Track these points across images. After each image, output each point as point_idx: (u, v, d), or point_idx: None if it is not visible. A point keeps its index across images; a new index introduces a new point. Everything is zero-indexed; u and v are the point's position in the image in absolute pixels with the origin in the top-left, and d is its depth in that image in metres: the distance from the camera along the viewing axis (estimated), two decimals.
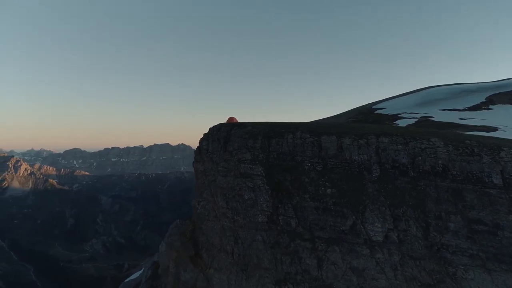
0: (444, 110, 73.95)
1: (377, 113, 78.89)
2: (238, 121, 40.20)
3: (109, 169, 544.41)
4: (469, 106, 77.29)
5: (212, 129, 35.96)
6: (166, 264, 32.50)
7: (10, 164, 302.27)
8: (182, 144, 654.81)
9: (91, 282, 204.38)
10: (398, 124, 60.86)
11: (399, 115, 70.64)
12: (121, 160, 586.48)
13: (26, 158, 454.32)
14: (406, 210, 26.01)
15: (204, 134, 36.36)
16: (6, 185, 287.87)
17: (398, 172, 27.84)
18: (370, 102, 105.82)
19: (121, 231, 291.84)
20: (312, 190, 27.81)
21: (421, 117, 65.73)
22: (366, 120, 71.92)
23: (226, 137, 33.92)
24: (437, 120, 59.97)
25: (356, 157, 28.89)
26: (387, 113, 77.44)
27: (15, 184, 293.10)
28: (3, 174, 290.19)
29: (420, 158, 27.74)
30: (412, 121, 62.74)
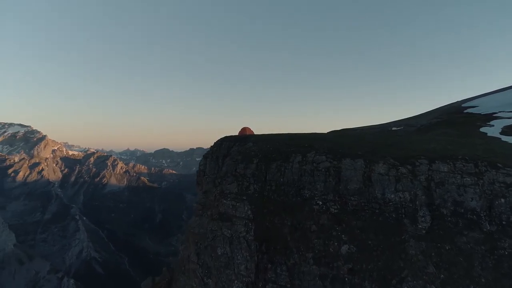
0: None
1: (467, 113, 62.62)
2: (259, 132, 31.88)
3: (194, 168, 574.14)
4: None
5: (214, 145, 28.38)
6: None
7: (109, 162, 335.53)
8: None
9: None
10: (493, 125, 45.90)
11: (494, 115, 54.11)
12: None
13: (122, 157, 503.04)
14: None
15: (210, 148, 28.96)
16: (106, 181, 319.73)
17: (462, 223, 16.84)
18: (459, 100, 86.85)
19: None
20: (319, 245, 18.31)
21: None
22: (452, 121, 57.05)
23: (225, 155, 26.10)
24: None
25: (393, 196, 18.50)
26: (479, 112, 60.77)
27: (113, 181, 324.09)
28: (103, 172, 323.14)
29: (503, 200, 16.41)
30: None
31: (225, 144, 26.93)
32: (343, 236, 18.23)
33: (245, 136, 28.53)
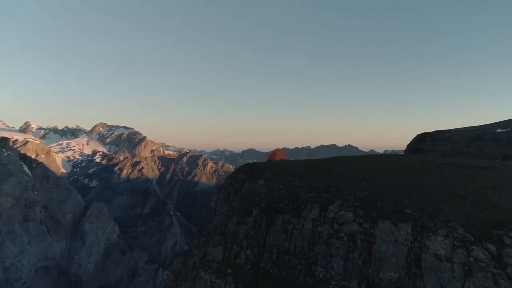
0: None
1: None
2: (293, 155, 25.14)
3: None
4: None
5: (230, 175, 22.70)
6: None
7: (200, 162, 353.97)
8: (348, 145, 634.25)
9: None
10: None
11: None
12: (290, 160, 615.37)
13: (212, 157, 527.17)
14: None
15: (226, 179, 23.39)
16: (197, 180, 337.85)
17: None
18: None
19: None
20: None
21: None
22: None
23: (237, 192, 20.23)
24: None
25: None
26: None
27: (203, 179, 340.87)
28: (195, 171, 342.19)
29: None
30: None
31: (240, 176, 20.97)
32: None
33: (264, 165, 22.06)
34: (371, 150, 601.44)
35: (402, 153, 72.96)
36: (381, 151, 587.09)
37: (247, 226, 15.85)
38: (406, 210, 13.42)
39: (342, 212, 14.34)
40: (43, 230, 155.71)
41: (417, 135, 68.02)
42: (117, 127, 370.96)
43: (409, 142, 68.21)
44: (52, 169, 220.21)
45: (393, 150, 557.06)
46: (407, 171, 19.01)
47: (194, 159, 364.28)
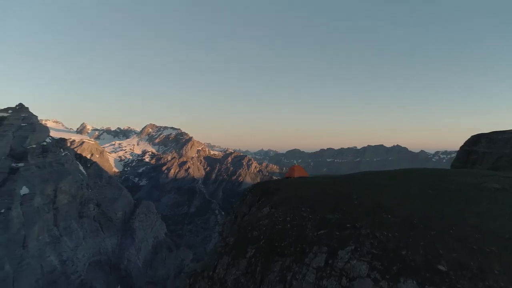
0: None
1: None
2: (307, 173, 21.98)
3: (325, 169, 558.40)
4: None
5: (244, 193, 20.16)
6: None
7: (244, 162, 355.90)
8: (397, 145, 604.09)
9: None
10: None
11: None
12: (336, 160, 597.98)
13: (256, 157, 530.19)
14: None
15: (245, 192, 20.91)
16: (241, 179, 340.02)
17: None
18: None
19: None
20: None
21: None
22: None
23: (245, 215, 17.61)
24: None
25: None
26: None
27: (248, 179, 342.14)
28: (239, 171, 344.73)
29: None
30: None
31: (249, 198, 18.28)
32: None
33: (278, 185, 19.02)
34: (421, 151, 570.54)
35: (455, 154, 67.00)
36: (432, 151, 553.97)
37: (238, 271, 12.92)
38: (439, 266, 9.94)
39: (354, 261, 11.12)
40: (96, 226, 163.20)
41: (472, 136, 62.14)
42: (165, 128, 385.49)
43: (463, 143, 62.93)
44: (105, 168, 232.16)
45: (445, 151, 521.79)
46: (447, 199, 14.91)
47: (239, 159, 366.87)
